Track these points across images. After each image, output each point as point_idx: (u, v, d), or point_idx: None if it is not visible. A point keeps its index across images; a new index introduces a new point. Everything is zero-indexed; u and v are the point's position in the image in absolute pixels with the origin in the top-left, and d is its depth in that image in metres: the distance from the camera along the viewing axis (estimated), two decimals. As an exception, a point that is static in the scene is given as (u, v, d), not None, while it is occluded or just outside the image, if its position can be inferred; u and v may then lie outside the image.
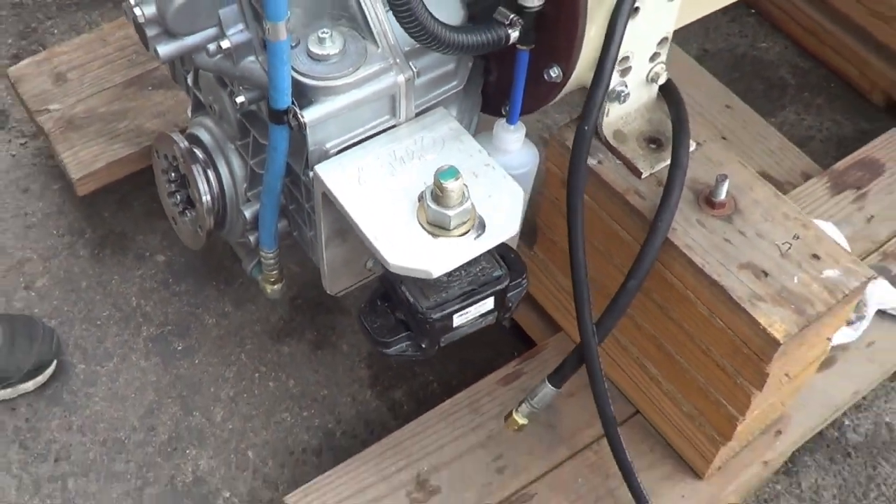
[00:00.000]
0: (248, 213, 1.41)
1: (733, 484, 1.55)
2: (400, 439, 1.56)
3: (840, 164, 1.89)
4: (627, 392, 1.58)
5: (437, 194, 1.13)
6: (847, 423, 1.78)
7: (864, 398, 1.80)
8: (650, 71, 1.32)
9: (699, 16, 1.56)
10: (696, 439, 1.48)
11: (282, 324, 1.88)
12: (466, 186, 1.14)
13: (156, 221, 1.98)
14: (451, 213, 1.13)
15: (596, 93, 1.18)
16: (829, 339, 1.38)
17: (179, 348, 1.84)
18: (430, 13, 1.10)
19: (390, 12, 1.13)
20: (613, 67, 1.19)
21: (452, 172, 1.12)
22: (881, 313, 1.70)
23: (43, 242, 1.97)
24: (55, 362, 1.78)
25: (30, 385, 1.75)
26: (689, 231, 1.29)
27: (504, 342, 1.83)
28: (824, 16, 2.24)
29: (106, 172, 1.90)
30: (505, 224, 1.17)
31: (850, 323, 1.67)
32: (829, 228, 1.70)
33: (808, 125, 2.19)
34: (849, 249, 1.67)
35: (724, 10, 2.35)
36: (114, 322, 1.87)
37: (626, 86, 1.30)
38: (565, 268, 1.35)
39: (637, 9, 1.20)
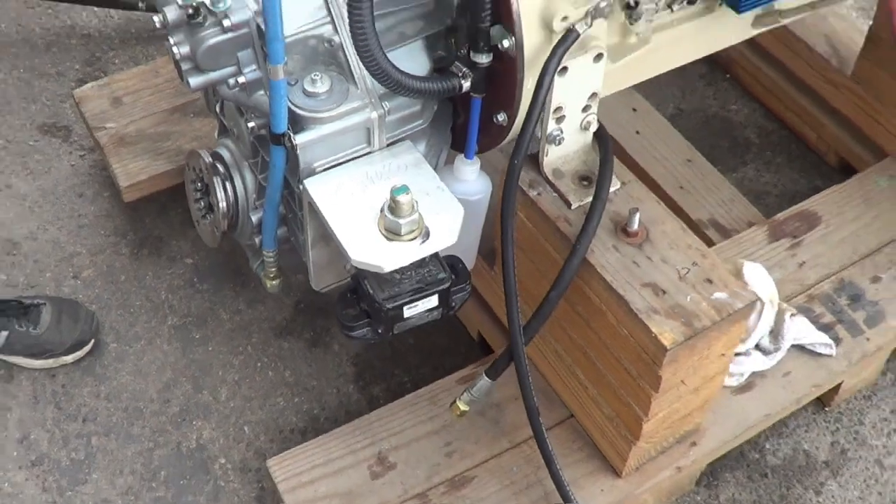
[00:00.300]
0: (254, 219, 1.70)
1: (648, 483, 1.78)
2: (368, 421, 1.84)
3: (781, 215, 2.10)
4: (563, 397, 1.84)
5: (392, 206, 1.42)
6: (768, 446, 2.00)
7: (785, 426, 2.02)
8: (583, 120, 1.59)
9: (641, 80, 1.82)
10: (615, 439, 1.73)
11: (285, 323, 2.17)
12: (416, 202, 1.43)
13: (188, 229, 2.28)
14: (402, 221, 1.42)
15: (524, 134, 1.46)
16: (723, 356, 1.63)
17: (197, 337, 2.14)
18: (394, 65, 1.40)
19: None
20: (540, 115, 1.46)
21: (404, 189, 1.41)
22: (800, 348, 1.91)
23: (92, 240, 2.28)
24: (93, 341, 2.07)
25: (69, 358, 2.05)
26: (604, 254, 1.56)
27: (473, 352, 2.09)
28: (787, 82, 2.46)
29: (149, 184, 2.19)
30: (446, 235, 1.45)
31: (767, 353, 1.91)
32: (756, 269, 1.91)
33: (766, 181, 2.43)
34: (775, 289, 1.93)
35: (702, 75, 2.65)
36: (144, 311, 2.17)
37: (562, 131, 1.57)
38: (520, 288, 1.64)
39: (565, 68, 1.48)
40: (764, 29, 1.90)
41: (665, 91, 2.60)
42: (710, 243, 2.11)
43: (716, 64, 2.67)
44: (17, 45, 2.70)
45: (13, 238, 2.28)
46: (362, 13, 1.31)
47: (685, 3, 1.64)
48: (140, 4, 2.51)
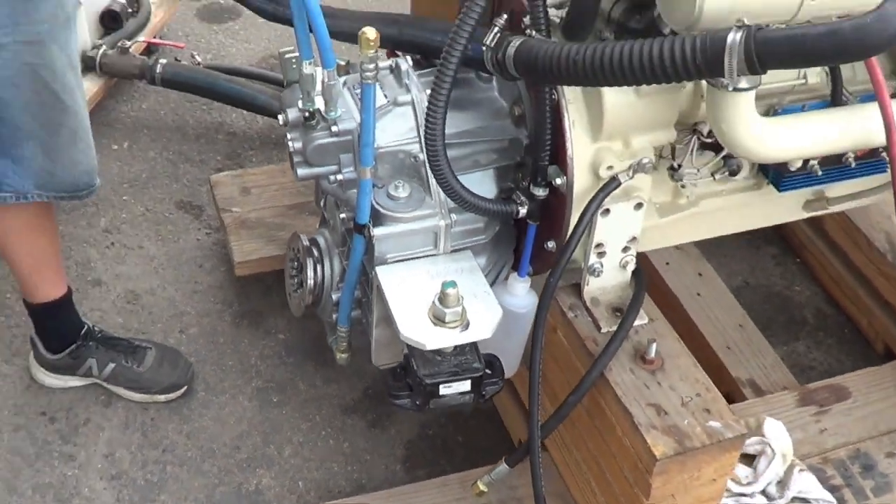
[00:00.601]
0: (334, 297, 1.98)
1: None
2: (404, 492, 2.08)
3: (813, 385, 2.26)
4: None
5: (441, 297, 1.69)
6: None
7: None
8: (622, 259, 1.85)
9: (690, 239, 2.06)
10: (616, 546, 1.93)
11: (353, 403, 2.44)
12: (462, 297, 1.70)
13: (286, 310, 2.52)
14: (447, 310, 1.68)
15: (562, 258, 1.72)
16: (715, 482, 1.81)
17: (275, 400, 2.43)
18: (460, 182, 1.68)
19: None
20: (576, 245, 1.72)
21: (453, 284, 1.67)
22: (805, 501, 2.06)
23: (202, 305, 2.63)
24: (186, 387, 2.39)
25: (162, 397, 2.37)
26: (621, 374, 1.79)
27: (514, 456, 2.32)
28: (848, 271, 2.66)
29: (259, 264, 2.50)
30: (483, 329, 1.70)
31: (771, 499, 2.08)
32: (777, 425, 2.09)
33: (813, 358, 2.61)
34: (790, 445, 2.09)
35: (773, 255, 2.86)
36: (235, 371, 2.48)
37: (602, 265, 1.82)
38: (551, 396, 1.89)
39: (608, 210, 1.75)
40: (814, 213, 2.13)
41: (737, 265, 2.83)
42: (743, 400, 2.30)
43: (788, 247, 2.89)
44: (171, 131, 3.14)
45: (135, 290, 2.64)
46: (435, 139, 1.62)
47: (727, 173, 1.89)
48: (281, 115, 2.89)
